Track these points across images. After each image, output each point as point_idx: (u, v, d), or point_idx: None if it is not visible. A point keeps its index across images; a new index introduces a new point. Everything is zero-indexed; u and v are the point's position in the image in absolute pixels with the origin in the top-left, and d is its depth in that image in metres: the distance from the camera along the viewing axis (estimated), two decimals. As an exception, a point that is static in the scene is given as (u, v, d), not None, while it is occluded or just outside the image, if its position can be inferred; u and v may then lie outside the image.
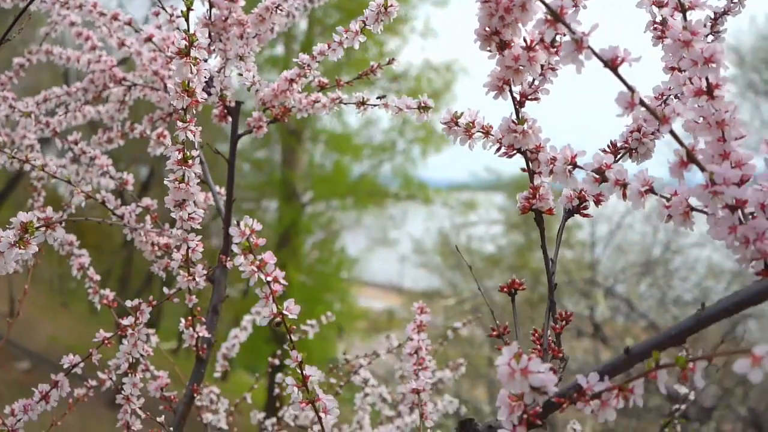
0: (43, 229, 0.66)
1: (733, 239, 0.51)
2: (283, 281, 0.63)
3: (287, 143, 10.88)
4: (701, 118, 0.55)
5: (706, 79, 0.54)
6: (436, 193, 11.17)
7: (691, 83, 0.56)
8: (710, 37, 0.73)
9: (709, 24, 0.74)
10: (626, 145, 0.69)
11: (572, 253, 9.09)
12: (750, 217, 0.53)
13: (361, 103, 0.95)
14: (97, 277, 1.10)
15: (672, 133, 0.51)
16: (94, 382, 1.13)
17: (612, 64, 0.51)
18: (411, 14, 10.11)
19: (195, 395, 1.00)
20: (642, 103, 0.51)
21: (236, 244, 0.62)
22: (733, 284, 6.97)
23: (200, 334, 0.98)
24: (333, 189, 10.90)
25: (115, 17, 1.10)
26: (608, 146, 0.70)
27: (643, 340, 0.53)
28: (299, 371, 0.65)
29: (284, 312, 0.64)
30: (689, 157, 0.52)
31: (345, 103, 0.97)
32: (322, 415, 0.65)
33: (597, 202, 0.68)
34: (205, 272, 0.92)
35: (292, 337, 0.65)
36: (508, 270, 8.83)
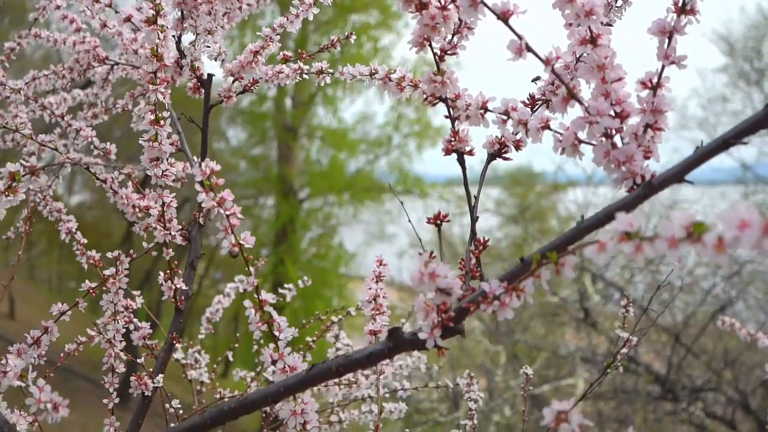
0: (28, 176, 0.75)
1: (607, 162, 0.61)
2: (239, 216, 0.72)
3: (283, 140, 10.98)
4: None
5: (589, 29, 0.63)
6: (432, 188, 11.27)
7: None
8: (619, 1, 0.83)
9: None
10: (543, 97, 0.78)
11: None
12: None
13: (320, 72, 1.04)
14: (84, 240, 1.19)
15: (554, 72, 0.61)
16: (83, 339, 1.23)
17: (504, 16, 0.60)
18: (404, 9, 10.15)
19: (174, 343, 1.10)
20: (528, 48, 0.60)
21: (198, 182, 0.71)
22: (721, 270, 7.08)
23: (178, 287, 1.07)
24: (329, 185, 11.00)
25: (96, 0, 1.19)
26: (528, 98, 0.79)
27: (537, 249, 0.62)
28: (256, 296, 0.75)
29: (241, 242, 0.73)
30: (570, 94, 0.61)
31: (306, 73, 1.06)
32: (276, 333, 0.75)
33: (517, 148, 0.77)
34: (179, 227, 1.01)
35: (251, 269, 0.74)
36: (504, 261, 8.94)
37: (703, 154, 0.56)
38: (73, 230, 1.21)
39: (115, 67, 1.30)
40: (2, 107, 1.46)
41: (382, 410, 1.24)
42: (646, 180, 0.60)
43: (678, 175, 0.56)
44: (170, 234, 1.00)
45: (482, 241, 0.73)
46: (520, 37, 0.60)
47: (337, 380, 1.19)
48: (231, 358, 1.51)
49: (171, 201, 0.97)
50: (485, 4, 0.60)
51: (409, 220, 1.00)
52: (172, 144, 1.11)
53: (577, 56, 0.72)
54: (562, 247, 0.60)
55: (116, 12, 1.18)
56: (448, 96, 0.71)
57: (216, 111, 1.13)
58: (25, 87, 1.25)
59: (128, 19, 1.14)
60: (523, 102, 0.80)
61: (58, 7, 1.29)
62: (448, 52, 0.71)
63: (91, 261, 1.16)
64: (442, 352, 0.66)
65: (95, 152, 1.20)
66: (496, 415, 5.44)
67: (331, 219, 11.83)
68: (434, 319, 0.63)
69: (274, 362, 0.74)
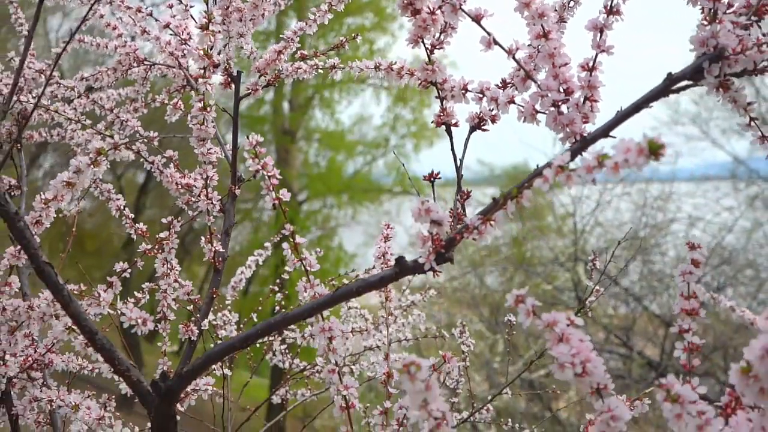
0: (112, 150, 0.96)
1: (555, 125, 0.82)
2: (278, 176, 0.93)
3: (281, 143, 11.20)
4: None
5: (542, 26, 0.84)
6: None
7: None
8: (571, 2, 1.04)
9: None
10: (511, 80, 0.99)
11: (563, 242, 9.45)
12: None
13: (332, 67, 1.26)
14: (132, 215, 1.40)
15: (515, 60, 0.82)
16: (132, 300, 1.43)
17: (477, 18, 0.81)
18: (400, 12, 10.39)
19: (214, 297, 1.30)
20: (495, 42, 0.81)
21: (246, 150, 0.92)
22: (711, 258, 7.32)
23: (216, 249, 1.28)
24: (328, 186, 11.21)
25: (138, 10, 1.40)
26: (500, 81, 1.00)
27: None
28: (292, 240, 0.96)
29: (280, 196, 0.94)
30: (527, 75, 0.82)
31: (321, 69, 1.27)
32: (308, 267, 0.96)
33: (493, 121, 0.98)
34: (219, 197, 1.22)
35: (286, 215, 0.95)
36: (503, 260, 9.13)
37: (621, 116, 0.77)
38: (122, 207, 1.42)
39: (153, 67, 1.51)
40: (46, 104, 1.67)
41: (390, 342, 1.45)
42: (583, 137, 0.81)
43: (603, 132, 0.78)
44: (212, 203, 1.21)
45: (466, 191, 0.94)
46: (489, 34, 0.81)
47: (350, 330, 1.40)
48: (256, 320, 1.72)
49: (213, 175, 1.18)
50: (463, 10, 0.81)
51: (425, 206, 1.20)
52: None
53: (536, 47, 0.93)
54: (521, 186, 0.81)
55: (156, 20, 1.39)
56: (437, 80, 0.92)
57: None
58: (78, 85, 1.46)
59: (167, 26, 1.35)
60: (497, 84, 1.01)
61: (102, 16, 1.50)
62: (437, 47, 0.92)
63: (140, 232, 1.37)
64: (436, 274, 0.87)
65: (140, 140, 1.41)
66: (494, 400, 5.64)
67: (330, 220, 12.02)
68: (430, 247, 0.84)
69: (305, 290, 0.95)
